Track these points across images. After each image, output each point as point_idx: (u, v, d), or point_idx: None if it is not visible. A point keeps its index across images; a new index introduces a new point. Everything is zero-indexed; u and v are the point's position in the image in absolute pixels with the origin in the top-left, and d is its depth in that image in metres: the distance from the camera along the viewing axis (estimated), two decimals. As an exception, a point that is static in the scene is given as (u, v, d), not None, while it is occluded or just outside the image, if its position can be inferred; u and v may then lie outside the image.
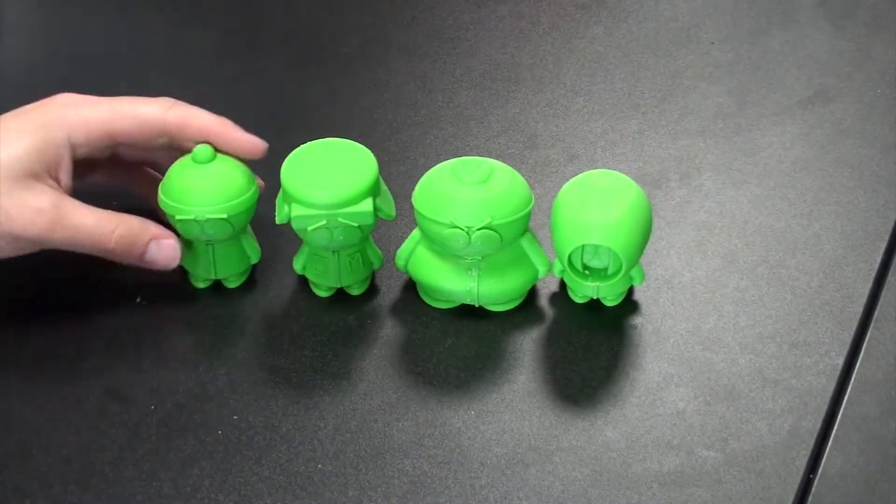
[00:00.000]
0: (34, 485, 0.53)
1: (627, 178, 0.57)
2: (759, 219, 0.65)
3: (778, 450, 0.54)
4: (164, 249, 0.58)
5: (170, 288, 0.62)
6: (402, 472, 0.53)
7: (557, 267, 0.58)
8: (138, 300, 0.61)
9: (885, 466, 0.53)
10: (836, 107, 0.72)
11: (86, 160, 0.59)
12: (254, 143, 0.59)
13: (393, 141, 0.71)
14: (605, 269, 0.58)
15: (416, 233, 0.59)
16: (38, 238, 0.56)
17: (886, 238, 0.63)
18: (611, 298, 0.60)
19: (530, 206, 0.56)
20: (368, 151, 0.58)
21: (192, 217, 0.57)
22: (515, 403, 0.56)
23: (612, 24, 0.79)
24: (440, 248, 0.57)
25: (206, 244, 0.59)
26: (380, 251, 0.61)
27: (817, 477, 0.53)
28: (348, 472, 0.53)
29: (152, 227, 0.58)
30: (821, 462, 0.53)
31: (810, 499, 0.52)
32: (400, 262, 0.60)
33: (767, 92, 0.73)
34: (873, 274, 0.61)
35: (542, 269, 0.59)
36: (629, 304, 0.60)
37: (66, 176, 0.57)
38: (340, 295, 0.61)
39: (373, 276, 0.62)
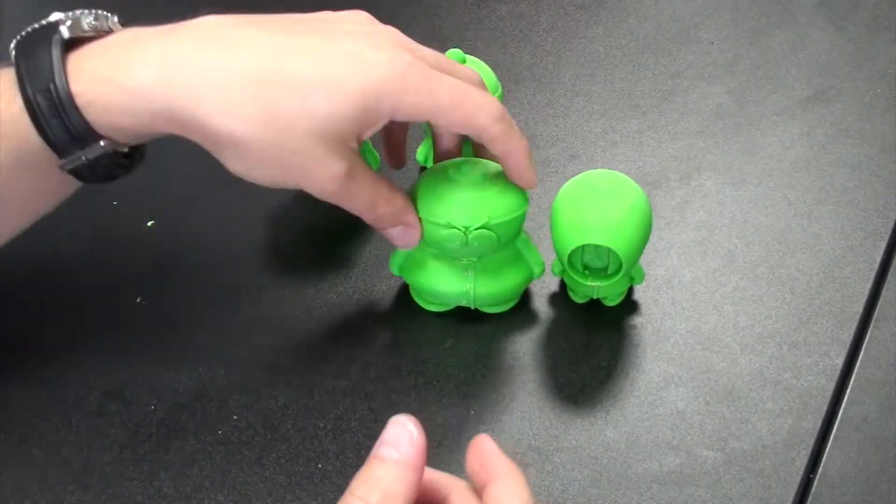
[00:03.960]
0: (34, 485, 0.53)
1: (627, 178, 0.57)
2: (759, 219, 0.65)
3: (778, 450, 0.54)
4: (408, 236, 0.56)
5: (170, 288, 0.62)
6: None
7: (557, 267, 0.58)
8: (138, 300, 0.61)
9: (885, 466, 0.53)
10: (836, 107, 0.72)
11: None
12: (530, 182, 0.56)
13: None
14: (605, 269, 0.58)
15: None
16: (319, 196, 0.53)
17: (886, 238, 0.63)
18: (611, 298, 0.60)
19: (526, 206, 0.56)
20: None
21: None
22: (515, 403, 0.56)
23: (612, 24, 0.79)
24: (436, 249, 0.57)
25: None
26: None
27: (817, 477, 0.53)
28: (348, 472, 0.53)
29: (410, 216, 0.55)
30: (821, 462, 0.53)
31: (810, 499, 0.52)
32: (394, 267, 0.60)
33: (767, 92, 0.73)
34: (873, 274, 0.61)
35: (536, 270, 0.59)
36: (629, 304, 0.60)
37: (365, 136, 0.54)
38: (340, 294, 0.61)
39: (373, 276, 0.62)
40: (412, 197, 0.56)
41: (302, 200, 0.66)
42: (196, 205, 0.66)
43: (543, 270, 0.59)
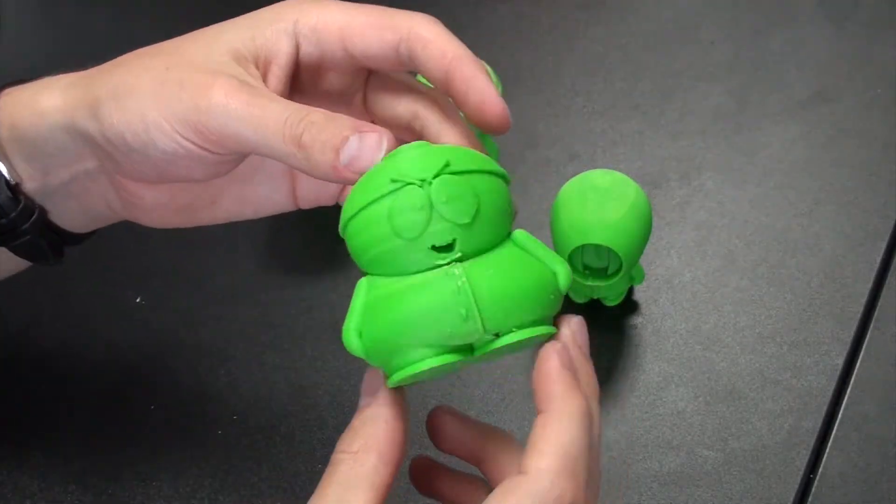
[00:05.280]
0: (34, 485, 0.53)
1: (627, 178, 0.57)
2: (759, 219, 0.65)
3: (778, 450, 0.54)
4: (367, 142, 0.40)
5: (170, 288, 0.62)
6: (402, 473, 0.53)
7: None
8: (138, 300, 0.61)
9: (885, 466, 0.53)
10: (836, 107, 0.72)
11: (317, 65, 0.46)
12: (497, 109, 0.46)
13: (393, 141, 0.71)
14: (605, 269, 0.58)
15: None
16: (206, 113, 0.42)
17: (886, 238, 0.63)
18: (611, 298, 0.60)
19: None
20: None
21: None
22: (515, 403, 0.56)
23: (612, 24, 0.79)
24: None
25: None
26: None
27: (817, 477, 0.53)
28: (348, 472, 0.53)
29: (362, 123, 0.41)
30: (821, 462, 0.53)
31: (810, 499, 0.52)
32: None
33: (767, 92, 0.73)
34: (873, 274, 0.61)
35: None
36: (629, 304, 0.60)
37: (278, 74, 0.44)
38: (340, 295, 0.61)
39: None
40: None
41: (302, 200, 0.66)
42: (196, 205, 0.66)
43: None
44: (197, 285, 0.62)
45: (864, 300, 0.60)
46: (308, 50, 0.45)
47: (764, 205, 0.66)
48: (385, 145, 0.41)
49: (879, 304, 0.60)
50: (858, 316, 0.59)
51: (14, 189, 0.46)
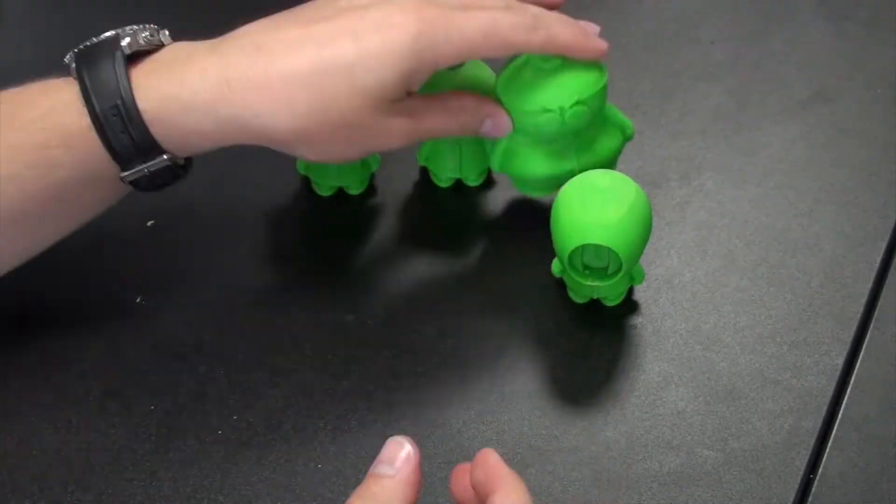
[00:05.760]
0: (34, 485, 0.53)
1: (627, 178, 0.57)
2: (759, 219, 0.65)
3: (778, 450, 0.54)
4: (498, 125, 0.58)
5: (170, 288, 0.62)
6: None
7: (557, 267, 0.58)
8: (138, 300, 0.61)
9: (885, 466, 0.53)
10: (836, 107, 0.72)
11: None
12: (598, 51, 0.58)
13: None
14: (605, 269, 0.58)
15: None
16: (400, 146, 0.56)
17: (886, 238, 0.63)
18: (611, 298, 0.60)
19: (606, 75, 0.59)
20: None
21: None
22: (515, 403, 0.56)
23: (613, 24, 0.79)
24: (533, 137, 0.59)
25: (455, 143, 0.63)
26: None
27: (817, 477, 0.53)
28: (348, 473, 0.53)
29: (489, 106, 0.58)
30: (821, 462, 0.53)
31: (810, 499, 0.52)
32: (495, 164, 0.61)
33: (767, 92, 0.73)
34: (873, 274, 0.61)
35: (628, 131, 0.62)
36: (629, 304, 0.60)
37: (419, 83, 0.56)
38: (340, 294, 0.61)
39: (372, 276, 0.62)
40: (498, 94, 0.58)
41: (302, 200, 0.66)
42: (196, 205, 0.66)
43: (633, 131, 0.62)
44: (197, 285, 0.62)
45: (864, 300, 0.60)
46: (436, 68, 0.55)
47: (764, 205, 0.66)
48: (505, 127, 0.58)
49: (879, 304, 0.60)
50: (858, 316, 0.59)
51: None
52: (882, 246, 0.63)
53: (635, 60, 0.76)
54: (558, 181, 0.59)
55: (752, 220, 0.65)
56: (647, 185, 0.65)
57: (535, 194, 0.64)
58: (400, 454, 0.44)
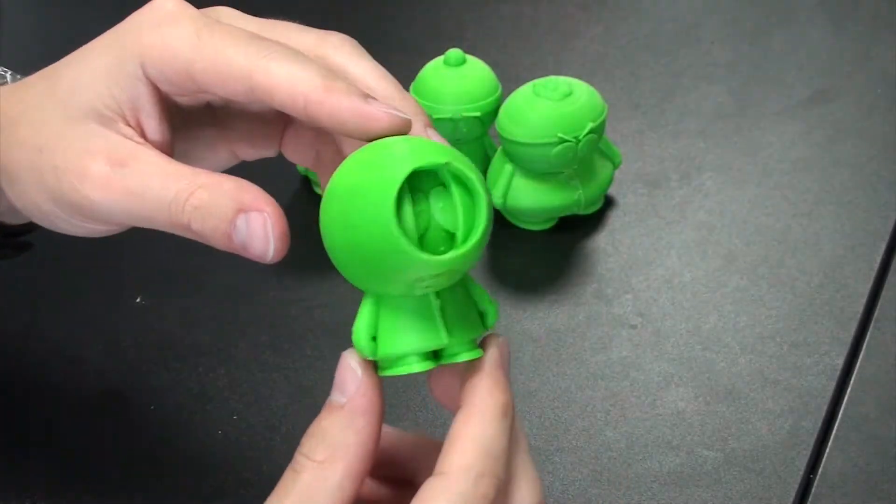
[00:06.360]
0: (34, 485, 0.53)
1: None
2: (759, 219, 0.65)
3: (778, 450, 0.54)
4: (252, 226, 0.40)
5: (170, 288, 0.62)
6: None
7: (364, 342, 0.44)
8: (138, 300, 0.61)
9: (885, 466, 0.53)
10: (836, 107, 0.72)
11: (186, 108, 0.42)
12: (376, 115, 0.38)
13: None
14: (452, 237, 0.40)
15: (505, 169, 0.61)
16: (88, 207, 0.39)
17: (886, 238, 0.63)
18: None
19: (605, 105, 0.61)
20: None
21: (447, 116, 0.61)
22: (515, 403, 0.56)
23: (612, 24, 0.79)
24: (541, 168, 0.60)
25: None
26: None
27: (817, 477, 0.53)
28: (348, 472, 0.53)
29: (245, 194, 0.39)
30: (821, 462, 0.53)
31: (810, 499, 0.52)
32: (499, 200, 0.62)
33: (767, 92, 0.73)
34: (873, 274, 0.61)
35: (617, 161, 0.64)
36: (629, 304, 0.60)
37: (152, 122, 0.40)
38: (340, 295, 0.61)
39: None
40: (502, 128, 0.60)
41: (302, 200, 0.66)
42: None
43: (621, 160, 0.64)
44: (197, 285, 0.62)
45: (864, 300, 0.60)
46: (170, 89, 0.40)
47: (764, 205, 0.66)
48: (270, 225, 0.40)
49: (879, 304, 0.60)
50: (858, 316, 0.59)
51: None
52: (882, 246, 0.63)
53: (635, 60, 0.76)
54: (561, 211, 0.62)
55: (752, 220, 0.65)
56: (647, 185, 0.65)
57: (536, 228, 0.64)
58: (349, 377, 0.38)
